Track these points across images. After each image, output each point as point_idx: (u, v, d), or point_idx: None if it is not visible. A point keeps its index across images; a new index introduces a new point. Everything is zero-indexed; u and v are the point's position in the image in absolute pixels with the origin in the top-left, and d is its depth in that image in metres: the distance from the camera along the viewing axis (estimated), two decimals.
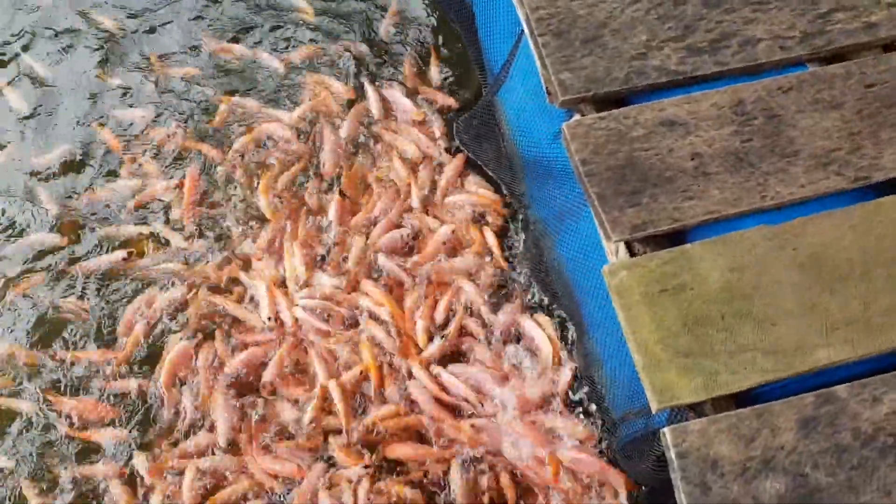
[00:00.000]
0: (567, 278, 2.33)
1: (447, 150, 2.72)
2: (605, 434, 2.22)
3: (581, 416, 2.26)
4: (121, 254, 2.60)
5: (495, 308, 2.44)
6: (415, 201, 2.63)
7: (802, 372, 1.73)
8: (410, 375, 2.35)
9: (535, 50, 2.12)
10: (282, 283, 2.52)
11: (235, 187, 2.73)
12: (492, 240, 2.56)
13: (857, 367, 1.76)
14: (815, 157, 1.96)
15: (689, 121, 1.99)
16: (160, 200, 2.72)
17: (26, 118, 2.92)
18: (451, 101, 2.85)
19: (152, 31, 3.12)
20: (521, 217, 2.59)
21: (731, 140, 1.97)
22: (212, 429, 2.30)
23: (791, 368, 1.73)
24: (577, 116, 2.05)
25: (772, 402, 1.72)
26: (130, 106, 2.94)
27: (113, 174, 2.78)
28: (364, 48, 3.04)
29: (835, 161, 1.95)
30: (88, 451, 2.30)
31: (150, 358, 2.44)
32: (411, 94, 2.88)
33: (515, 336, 2.42)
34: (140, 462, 2.26)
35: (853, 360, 1.75)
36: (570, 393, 2.30)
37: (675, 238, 1.91)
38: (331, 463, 2.24)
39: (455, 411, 2.31)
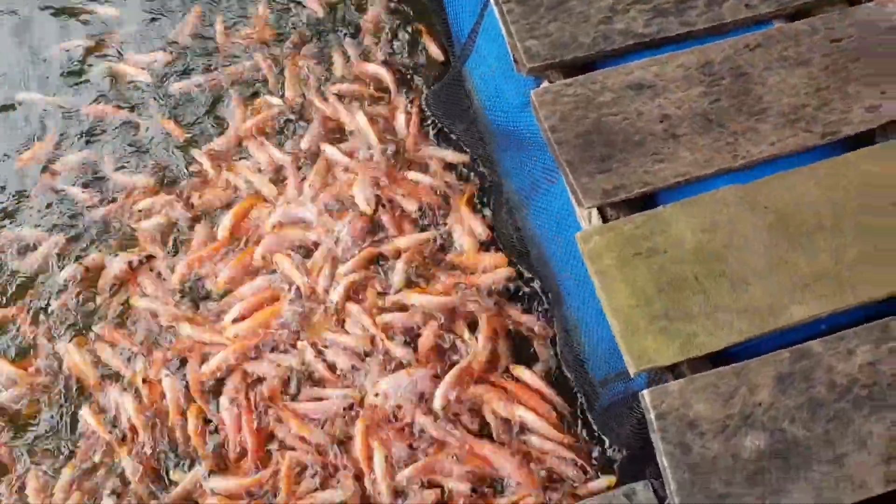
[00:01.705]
0: (542, 247, 2.33)
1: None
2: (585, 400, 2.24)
3: None
4: None
5: None
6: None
7: (777, 329, 1.75)
8: None
9: (500, 17, 2.10)
10: None
11: None
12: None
13: (830, 321, 1.77)
14: (784, 114, 1.96)
15: (656, 83, 1.98)
16: None
17: None
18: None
19: None
20: (493, 188, 2.58)
21: (700, 101, 1.97)
22: None
23: (766, 326, 1.74)
24: (544, 83, 2.04)
25: (748, 360, 1.74)
26: None
27: None
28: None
29: (803, 118, 1.95)
30: None
31: None
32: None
33: None
34: None
35: (826, 315, 1.76)
36: None
37: (648, 201, 1.91)
38: None
39: None
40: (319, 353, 2.30)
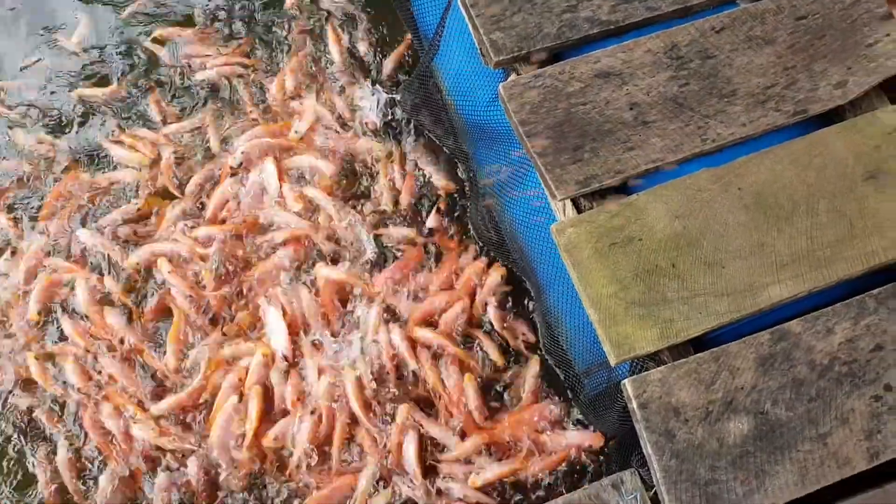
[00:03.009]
0: (519, 240, 2.32)
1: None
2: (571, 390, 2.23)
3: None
4: None
5: None
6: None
7: (756, 311, 1.75)
8: None
9: (464, 12, 2.08)
10: None
11: None
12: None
13: (808, 301, 1.77)
14: (753, 94, 1.95)
15: (624, 70, 1.97)
16: None
17: None
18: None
19: None
20: (468, 183, 2.57)
21: (669, 86, 1.96)
22: None
23: (744, 309, 1.74)
24: (512, 76, 2.02)
25: (728, 343, 1.74)
26: None
27: None
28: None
29: (772, 97, 1.95)
30: None
31: None
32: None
33: None
34: None
35: (804, 295, 1.76)
36: None
37: (621, 190, 1.90)
38: None
39: None
40: None
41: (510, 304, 2.43)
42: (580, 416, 2.24)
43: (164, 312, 2.43)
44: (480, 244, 2.49)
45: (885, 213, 1.81)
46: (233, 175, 2.60)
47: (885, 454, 1.64)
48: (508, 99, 1.94)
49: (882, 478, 1.65)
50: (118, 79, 2.86)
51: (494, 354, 2.33)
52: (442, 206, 2.58)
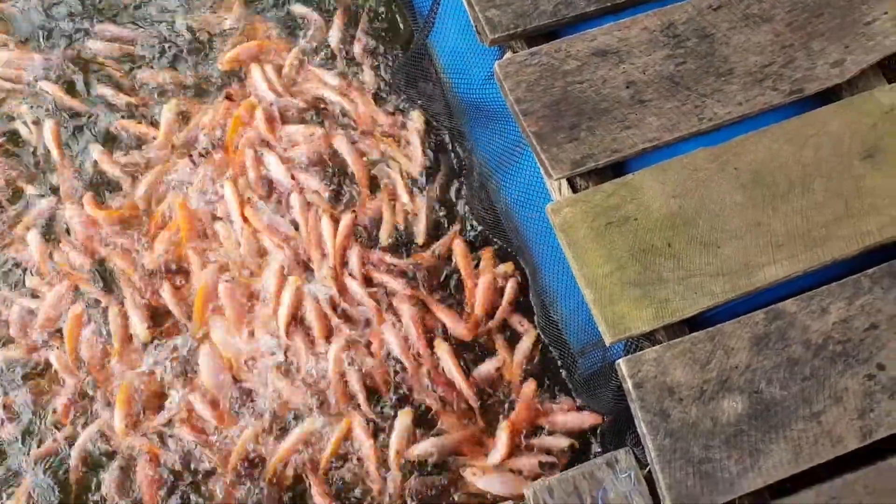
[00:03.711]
0: (514, 219, 2.31)
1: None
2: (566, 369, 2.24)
3: None
4: None
5: None
6: None
7: (751, 291, 1.75)
8: None
9: None
10: None
11: None
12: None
13: (803, 280, 1.78)
14: (750, 73, 1.94)
15: (621, 49, 1.95)
16: None
17: None
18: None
19: None
20: (464, 161, 2.55)
21: (665, 64, 1.94)
22: None
23: (740, 289, 1.74)
24: (508, 54, 2.01)
25: (723, 323, 1.74)
26: None
27: None
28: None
29: (769, 76, 1.94)
30: None
31: None
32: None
33: None
34: None
35: (799, 275, 1.76)
36: None
37: (617, 169, 1.89)
38: None
39: None
40: None
41: None
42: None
43: None
44: (477, 224, 2.49)
45: (880, 192, 1.81)
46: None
47: (877, 432, 1.65)
48: (504, 77, 1.93)
49: (875, 455, 1.66)
50: None
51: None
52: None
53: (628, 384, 1.69)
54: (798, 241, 1.77)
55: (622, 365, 1.70)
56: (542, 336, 2.31)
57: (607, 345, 1.74)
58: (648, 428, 1.65)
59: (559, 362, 2.28)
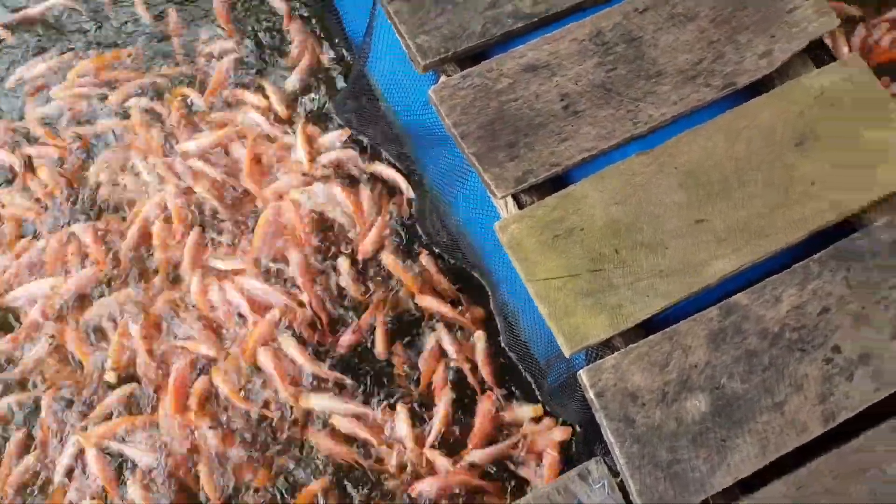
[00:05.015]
0: (469, 239, 2.32)
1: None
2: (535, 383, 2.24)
3: None
4: None
5: None
6: None
7: (702, 289, 1.76)
8: None
9: (388, 18, 2.07)
10: None
11: None
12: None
13: (752, 272, 1.79)
14: (681, 72, 1.96)
15: (551, 62, 1.97)
16: None
17: None
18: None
19: None
20: (416, 185, 2.56)
21: (596, 73, 1.96)
22: None
23: (690, 287, 1.76)
24: (442, 79, 2.02)
25: (679, 322, 1.75)
26: None
27: None
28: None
29: (700, 73, 1.96)
30: None
31: None
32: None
33: None
34: None
35: (747, 267, 1.78)
36: None
37: (560, 182, 1.91)
38: None
39: None
40: None
41: None
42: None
43: None
44: (433, 247, 2.49)
45: (815, 177, 1.84)
46: None
47: (840, 415, 1.67)
48: (440, 102, 1.94)
49: (837, 438, 1.67)
50: None
51: None
52: None
53: (590, 394, 1.69)
54: (741, 235, 1.79)
55: (583, 376, 1.71)
56: (509, 352, 2.31)
57: (567, 356, 1.74)
58: (615, 436, 1.66)
59: (528, 377, 2.28)
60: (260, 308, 2.39)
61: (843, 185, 1.85)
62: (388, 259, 2.46)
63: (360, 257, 2.47)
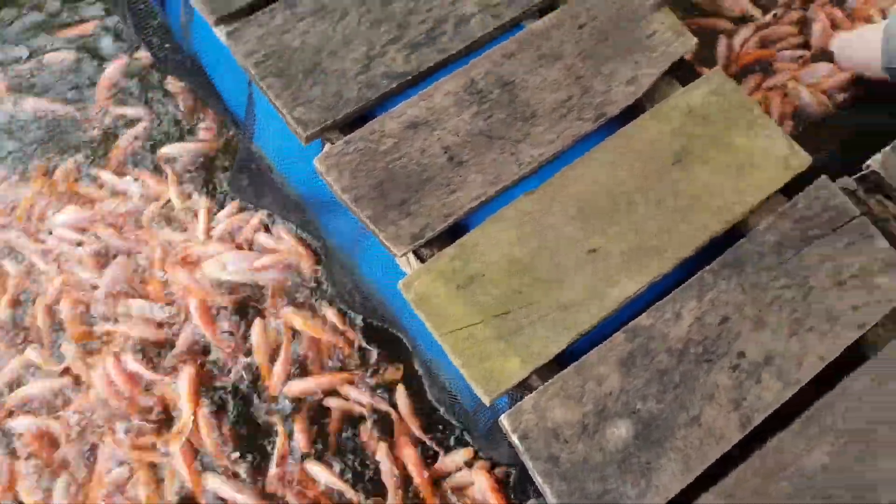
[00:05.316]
0: (381, 297, 2.32)
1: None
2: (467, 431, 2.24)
3: None
4: None
5: None
6: None
7: (606, 316, 1.80)
8: None
9: (265, 95, 2.08)
10: None
11: None
12: None
13: (653, 291, 1.84)
14: (554, 110, 2.02)
15: (430, 117, 2.00)
16: None
17: None
18: None
19: None
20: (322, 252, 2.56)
21: (475, 121, 2.00)
22: None
23: (595, 316, 1.79)
24: (326, 146, 2.03)
25: (588, 353, 1.78)
26: None
27: None
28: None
29: (572, 108, 2.02)
30: None
31: None
32: None
33: None
34: None
35: (646, 288, 1.83)
36: None
37: (457, 231, 1.93)
38: None
39: None
40: None
41: None
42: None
43: None
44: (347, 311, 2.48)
45: (696, 191, 1.91)
46: None
47: (755, 418, 1.72)
48: (326, 171, 1.95)
49: (755, 440, 1.72)
50: None
51: None
52: None
53: (514, 439, 1.70)
54: (636, 257, 1.84)
55: (504, 421, 1.72)
56: (437, 405, 2.31)
57: (487, 405, 1.75)
58: (543, 476, 1.67)
59: (459, 426, 2.28)
60: None
61: (724, 194, 1.93)
62: (296, 319, 2.44)
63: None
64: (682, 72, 2.11)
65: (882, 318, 1.83)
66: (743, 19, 3.06)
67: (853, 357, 1.82)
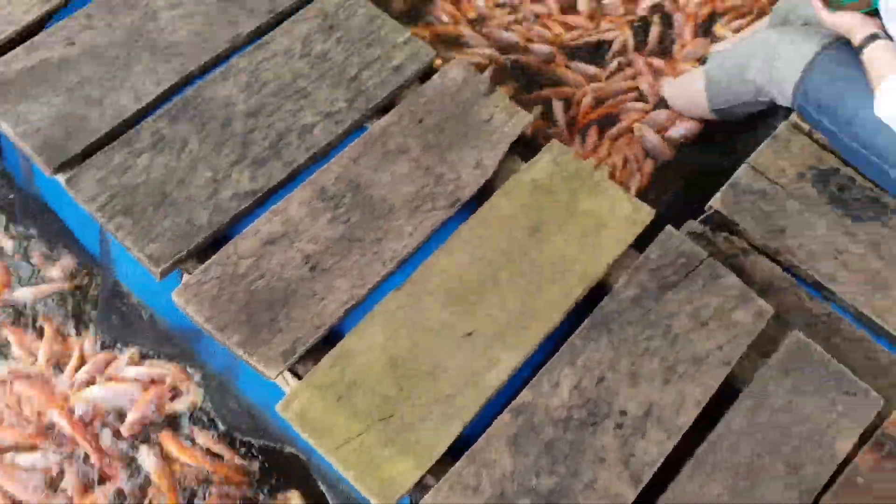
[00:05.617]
0: (268, 416, 2.27)
1: None
2: None
3: None
4: None
5: None
6: None
7: (489, 398, 1.82)
8: None
9: (114, 236, 2.03)
10: None
11: None
12: None
13: (527, 368, 1.88)
14: (409, 202, 2.07)
15: (287, 230, 2.01)
16: None
17: None
18: None
19: None
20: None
21: (333, 227, 2.02)
22: None
23: (478, 401, 1.81)
24: (185, 277, 1.99)
25: (478, 440, 1.79)
26: None
27: None
28: None
29: (426, 199, 2.07)
30: None
31: None
32: None
33: None
34: None
35: (523, 362, 1.87)
36: None
37: (331, 340, 1.92)
38: None
39: None
40: None
41: None
42: None
43: None
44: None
45: (555, 259, 1.98)
46: None
47: (645, 474, 1.76)
48: (186, 304, 1.91)
49: (651, 493, 1.75)
50: None
51: None
52: None
53: None
54: (509, 334, 1.88)
55: None
56: None
57: None
58: None
59: None
60: None
61: (581, 258, 2.00)
62: (171, 444, 2.34)
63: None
64: (522, 148, 2.21)
65: (745, 351, 1.93)
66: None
67: (727, 391, 1.90)
